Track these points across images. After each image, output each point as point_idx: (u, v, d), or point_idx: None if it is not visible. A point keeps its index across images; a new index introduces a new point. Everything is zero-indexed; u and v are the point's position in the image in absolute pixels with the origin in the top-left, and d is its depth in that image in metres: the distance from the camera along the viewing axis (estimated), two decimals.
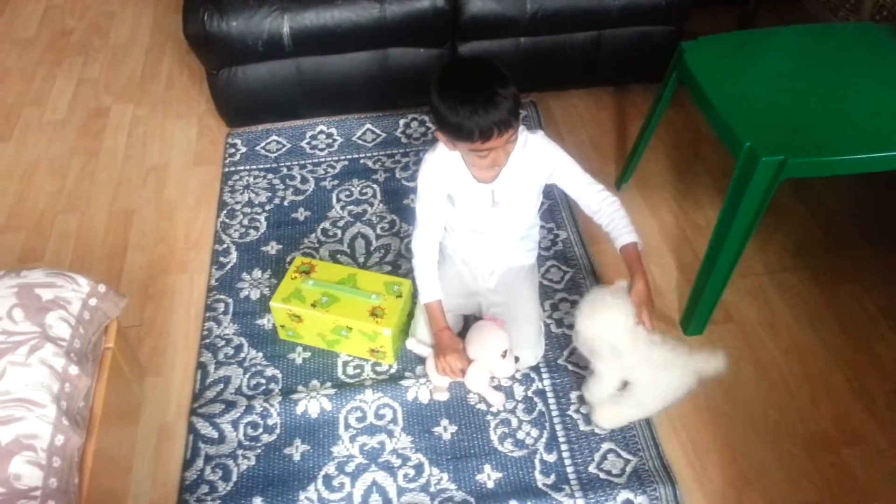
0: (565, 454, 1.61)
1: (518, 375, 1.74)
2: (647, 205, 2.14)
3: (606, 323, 1.48)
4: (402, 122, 2.43)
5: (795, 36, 1.84)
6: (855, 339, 1.81)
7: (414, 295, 1.82)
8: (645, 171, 2.20)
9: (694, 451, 1.62)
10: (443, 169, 1.62)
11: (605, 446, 1.62)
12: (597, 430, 1.64)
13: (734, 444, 1.63)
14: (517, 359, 1.65)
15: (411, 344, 1.72)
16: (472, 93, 1.42)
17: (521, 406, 1.69)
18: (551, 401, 1.70)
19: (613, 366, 1.53)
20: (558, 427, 1.66)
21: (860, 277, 1.94)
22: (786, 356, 1.79)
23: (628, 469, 1.58)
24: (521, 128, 1.58)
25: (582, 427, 1.65)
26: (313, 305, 1.72)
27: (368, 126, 2.42)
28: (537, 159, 1.63)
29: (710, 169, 2.25)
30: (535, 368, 1.75)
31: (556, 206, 2.12)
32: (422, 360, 1.77)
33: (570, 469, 1.58)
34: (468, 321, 1.78)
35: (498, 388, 1.72)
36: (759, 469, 1.59)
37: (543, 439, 1.63)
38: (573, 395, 1.71)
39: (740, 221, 1.56)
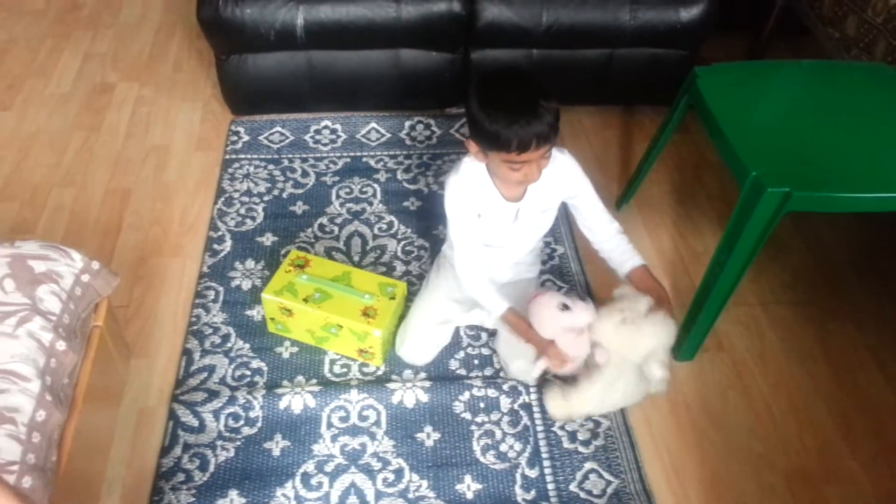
0: (547, 470, 1.60)
1: (506, 388, 1.73)
2: (646, 227, 2.14)
3: (665, 332, 1.52)
4: (407, 123, 2.42)
5: (809, 70, 1.84)
6: (843, 376, 1.81)
7: (408, 299, 1.81)
8: (646, 194, 2.20)
9: (676, 476, 1.62)
10: (469, 189, 1.60)
11: (588, 466, 1.61)
12: (580, 449, 1.63)
13: (717, 472, 1.62)
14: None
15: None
16: (514, 102, 1.39)
17: (506, 418, 1.68)
18: (537, 415, 1.69)
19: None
20: (542, 442, 1.65)
21: (852, 316, 1.94)
22: (773, 388, 1.78)
23: (609, 490, 1.57)
24: None
25: (566, 444, 1.64)
26: (305, 300, 1.70)
27: (374, 125, 2.41)
28: (563, 179, 1.63)
29: (710, 196, 2.25)
30: (523, 381, 1.74)
31: (555, 220, 2.10)
32: (408, 365, 1.76)
33: (550, 486, 1.57)
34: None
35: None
36: (740, 500, 1.58)
37: (526, 454, 1.62)
38: None
39: (740, 250, 1.55)
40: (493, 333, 1.81)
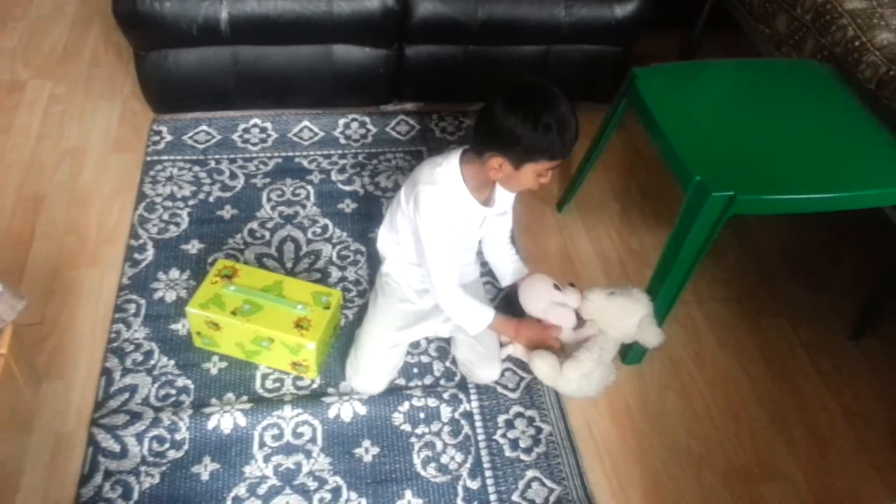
0: (489, 481, 1.57)
1: (446, 396, 1.69)
2: (585, 228, 2.12)
3: (647, 301, 1.67)
4: (341, 121, 2.34)
5: (744, 69, 1.85)
6: (778, 373, 1.83)
7: (343, 307, 1.75)
8: (585, 193, 2.18)
9: (618, 480, 1.61)
10: (449, 204, 1.58)
11: (530, 474, 1.58)
12: (522, 457, 1.60)
13: (657, 474, 1.62)
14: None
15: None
16: (554, 111, 1.43)
17: (446, 429, 1.64)
18: (478, 424, 1.65)
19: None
20: (483, 452, 1.61)
21: (786, 312, 1.96)
22: (710, 387, 1.79)
23: (552, 499, 1.55)
24: None
25: (507, 453, 1.61)
26: (233, 313, 1.62)
27: (306, 123, 2.32)
28: None
29: (645, 193, 2.25)
30: (464, 388, 1.70)
31: None
32: (343, 376, 1.70)
33: (493, 497, 1.54)
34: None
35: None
36: (680, 502, 1.58)
37: (468, 465, 1.59)
38: (500, 419, 1.67)
39: (685, 254, 1.55)
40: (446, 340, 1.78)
